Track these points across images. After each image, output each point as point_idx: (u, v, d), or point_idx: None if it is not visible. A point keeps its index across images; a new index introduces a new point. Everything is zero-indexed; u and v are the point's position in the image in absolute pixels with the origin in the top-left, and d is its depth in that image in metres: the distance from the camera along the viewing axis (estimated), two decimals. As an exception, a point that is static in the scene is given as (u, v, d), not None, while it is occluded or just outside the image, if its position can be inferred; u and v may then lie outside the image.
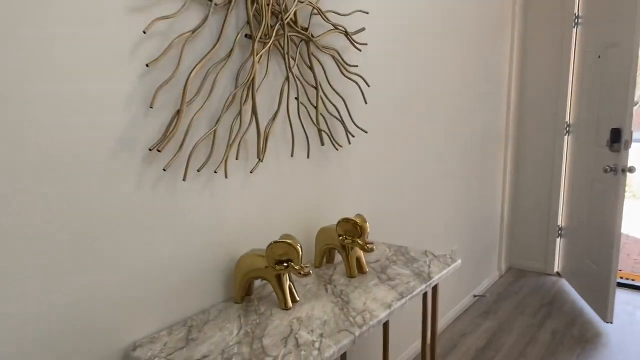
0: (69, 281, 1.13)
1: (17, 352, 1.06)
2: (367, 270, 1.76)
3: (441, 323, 3.04)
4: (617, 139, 2.94)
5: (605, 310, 3.08)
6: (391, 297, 1.54)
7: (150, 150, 1.24)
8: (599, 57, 3.26)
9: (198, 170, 1.37)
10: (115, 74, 1.17)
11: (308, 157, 1.75)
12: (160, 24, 1.25)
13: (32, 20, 1.02)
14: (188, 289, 1.41)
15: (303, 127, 1.72)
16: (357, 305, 1.48)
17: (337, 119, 1.86)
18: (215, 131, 1.40)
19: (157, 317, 1.34)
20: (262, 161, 1.55)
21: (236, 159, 1.47)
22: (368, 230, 1.70)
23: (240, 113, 1.45)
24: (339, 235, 1.71)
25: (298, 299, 1.52)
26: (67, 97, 1.08)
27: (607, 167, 2.99)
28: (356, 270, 1.72)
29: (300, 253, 1.44)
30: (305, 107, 1.72)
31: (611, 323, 3.12)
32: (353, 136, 1.97)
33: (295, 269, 1.43)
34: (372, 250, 1.67)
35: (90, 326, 1.19)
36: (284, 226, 1.72)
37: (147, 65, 1.22)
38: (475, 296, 3.51)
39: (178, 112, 1.28)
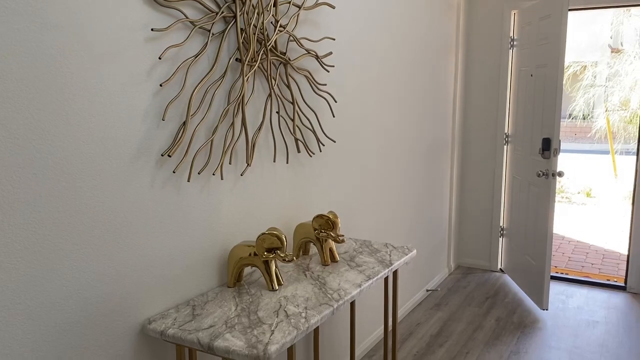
0: (96, 264, 1.36)
1: (59, 321, 1.28)
2: (339, 259, 2.04)
3: (399, 314, 3.36)
4: (547, 147, 3.37)
5: (541, 299, 3.48)
6: (360, 279, 1.83)
7: (162, 155, 1.49)
8: (531, 75, 3.69)
9: (199, 173, 1.63)
10: (135, 93, 1.42)
11: (287, 162, 2.03)
12: (170, 51, 1.50)
13: (74, 50, 1.26)
14: (189, 274, 1.65)
15: (283, 136, 2.00)
16: (332, 285, 1.76)
17: (310, 129, 2.15)
18: (212, 140, 1.66)
19: (164, 298, 1.57)
20: (250, 165, 1.81)
21: (229, 163, 1.74)
22: (339, 224, 1.99)
23: (232, 125, 1.72)
24: (314, 230, 1.99)
25: (283, 282, 1.78)
26: (99, 112, 1.32)
27: (539, 172, 3.41)
28: (329, 259, 2.00)
29: (286, 243, 1.71)
30: (285, 120, 2.00)
31: (547, 310, 3.52)
32: (323, 145, 2.26)
33: (281, 256, 1.70)
34: (343, 241, 1.96)
35: (111, 303, 1.42)
36: (268, 222, 1.99)
37: (160, 85, 1.47)
38: (428, 290, 3.86)
39: (184, 123, 1.54)
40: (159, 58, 1.46)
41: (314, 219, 1.98)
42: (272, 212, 2.01)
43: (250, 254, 1.73)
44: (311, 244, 2.18)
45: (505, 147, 4.26)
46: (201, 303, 1.63)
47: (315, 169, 2.26)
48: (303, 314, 1.53)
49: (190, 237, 1.64)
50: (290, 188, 2.10)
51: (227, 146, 1.71)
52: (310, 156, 2.20)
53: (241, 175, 1.79)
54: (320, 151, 2.24)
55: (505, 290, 3.95)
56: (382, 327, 3.12)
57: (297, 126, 2.08)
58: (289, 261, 1.70)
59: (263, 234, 1.70)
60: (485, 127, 4.33)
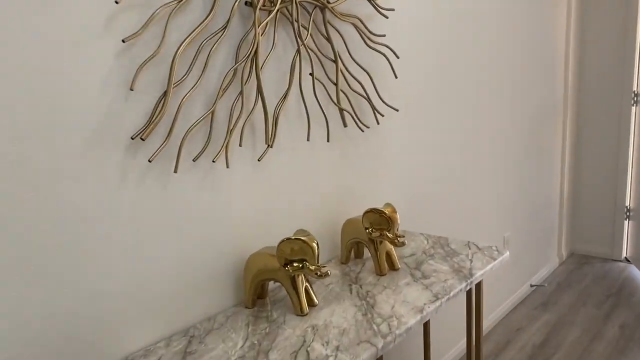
0: (44, 290, 0.99)
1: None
2: (399, 266, 1.55)
3: (494, 316, 2.79)
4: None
5: (683, 302, 2.73)
6: (424, 298, 1.33)
7: (132, 139, 1.08)
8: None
9: (194, 160, 1.21)
10: (86, 53, 1.01)
11: (328, 140, 1.55)
12: (139, -7, 1.08)
13: (-25, -8, 0.87)
14: (190, 293, 1.26)
15: (321, 106, 1.52)
16: (383, 309, 1.28)
17: (362, 96, 1.65)
18: (213, 114, 1.22)
19: (154, 327, 1.19)
20: (271, 147, 1.36)
21: (239, 145, 1.30)
22: (398, 221, 1.49)
23: (242, 93, 1.27)
24: (366, 228, 1.51)
25: (316, 302, 1.33)
26: (31, 82, 0.94)
27: (684, 140, 2.63)
28: (386, 266, 1.51)
29: (316, 251, 1.26)
30: (323, 84, 1.52)
31: (691, 316, 2.77)
32: (382, 115, 1.75)
33: (311, 270, 1.25)
34: (402, 244, 1.46)
35: (75, 340, 1.05)
36: (302, 220, 1.54)
37: (123, 41, 1.05)
38: (532, 286, 3.22)
39: (165, 94, 1.12)
40: (116, 2, 1.04)
41: (364, 214, 1.50)
42: (307, 207, 1.55)
43: (272, 266, 1.29)
44: (364, 246, 1.70)
45: (633, 108, 3.43)
46: (203, 333, 1.23)
47: (370, 147, 1.76)
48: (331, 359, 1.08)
49: (189, 246, 1.24)
50: (334, 174, 1.63)
51: (233, 123, 1.27)
52: (363, 131, 1.70)
53: (259, 160, 1.35)
54: (378, 124, 1.73)
55: (632, 286, 3.20)
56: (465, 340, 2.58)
57: (342, 91, 1.59)
58: (321, 276, 1.24)
59: (286, 240, 1.25)
60: (607, 85, 3.51)
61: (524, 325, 2.80)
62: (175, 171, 1.15)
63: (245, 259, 1.38)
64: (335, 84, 1.53)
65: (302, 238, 1.25)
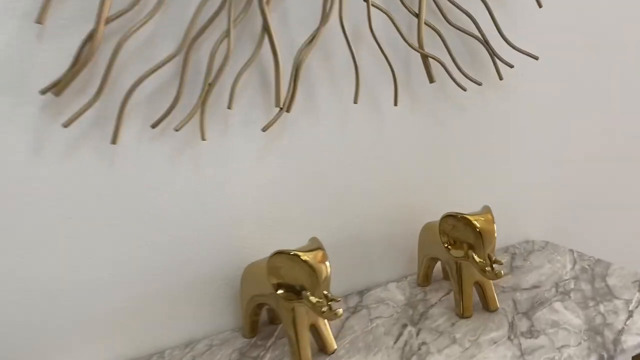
0: None
1: None
2: (498, 306, 0.98)
3: None
4: None
5: None
6: (508, 380, 0.78)
7: (42, 94, 0.76)
8: None
9: (152, 127, 0.84)
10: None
11: (396, 104, 1.03)
12: None
13: None
14: (160, 309, 0.92)
15: (382, 50, 0.99)
16: (425, 386, 0.78)
17: (470, 35, 1.08)
18: (185, 60, 0.83)
19: (99, 353, 0.88)
20: (287, 111, 0.92)
21: (228, 108, 0.88)
22: (494, 236, 0.93)
23: (228, 32, 0.84)
24: (444, 243, 0.98)
25: (334, 347, 0.88)
26: None
27: None
28: (471, 304, 0.97)
29: (324, 275, 0.80)
30: (388, 15, 0.99)
31: None
32: (511, 66, 1.14)
33: (311, 304, 0.80)
34: (495, 277, 0.90)
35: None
36: (349, 216, 1.06)
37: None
38: None
39: (96, 26, 0.76)
40: None
41: (441, 220, 0.97)
42: (365, 197, 1.07)
43: (264, 286, 0.87)
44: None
45: None
46: (164, 366, 0.89)
47: (483, 113, 1.17)
48: None
49: (151, 244, 0.89)
50: (408, 154, 1.10)
51: (214, 73, 0.85)
52: (465, 90, 1.11)
53: (263, 130, 0.92)
54: (501, 79, 1.13)
55: None
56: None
57: (427, 24, 1.04)
58: (327, 317, 0.79)
59: (277, 253, 0.83)
60: None
61: None
62: (112, 142, 0.80)
63: (244, 266, 0.99)
64: (417, 15, 1.00)
65: (300, 254, 0.81)
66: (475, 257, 0.92)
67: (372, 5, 0.94)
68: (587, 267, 1.13)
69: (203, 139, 0.86)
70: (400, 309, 1.01)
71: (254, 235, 0.98)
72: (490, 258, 0.93)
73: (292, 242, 1.01)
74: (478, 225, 0.92)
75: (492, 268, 0.91)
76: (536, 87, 1.23)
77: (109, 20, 0.77)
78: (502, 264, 0.91)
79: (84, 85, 0.79)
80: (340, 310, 0.80)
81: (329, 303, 0.81)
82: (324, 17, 0.91)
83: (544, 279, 1.09)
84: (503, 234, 1.26)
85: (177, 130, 0.84)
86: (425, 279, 1.09)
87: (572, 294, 1.01)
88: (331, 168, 1.03)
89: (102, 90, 0.78)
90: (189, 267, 0.93)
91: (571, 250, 1.23)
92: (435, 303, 1.02)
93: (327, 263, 0.82)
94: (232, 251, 0.96)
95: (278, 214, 0.99)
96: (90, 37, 0.76)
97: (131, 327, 0.90)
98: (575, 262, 1.16)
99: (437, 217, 1.15)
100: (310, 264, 0.80)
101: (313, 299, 0.80)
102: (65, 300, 0.83)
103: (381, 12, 0.97)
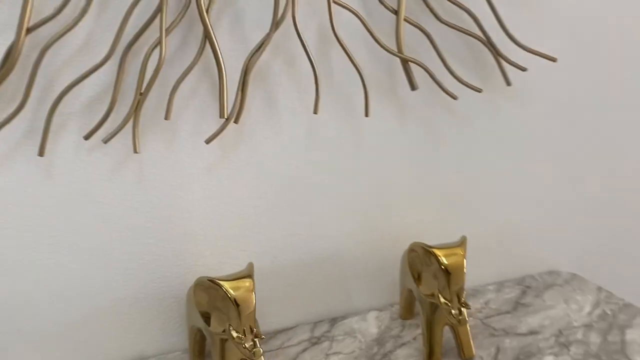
0: None
1: None
2: (474, 354, 0.84)
3: None
4: None
5: None
6: None
7: (-32, 105, 0.75)
8: None
9: (85, 138, 0.80)
10: None
11: (367, 114, 0.91)
12: None
13: None
14: (109, 328, 0.89)
15: (347, 52, 0.87)
16: None
17: (469, 34, 0.92)
18: (121, 66, 0.78)
19: (44, 360, 0.88)
20: (236, 122, 0.84)
21: (166, 119, 0.82)
22: (464, 273, 0.79)
23: (161, 40, 0.78)
24: (412, 276, 0.85)
25: (271, 386, 0.80)
26: None
27: None
28: (440, 351, 0.83)
29: (248, 311, 0.73)
30: (354, 13, 0.87)
31: None
32: (524, 69, 0.96)
33: (233, 339, 0.73)
34: (459, 322, 0.77)
35: None
36: (319, 234, 0.96)
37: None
38: None
39: (15, 42, 0.73)
40: None
41: (408, 249, 0.84)
42: (329, 216, 0.96)
43: (196, 312, 0.81)
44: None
45: None
46: (100, 385, 0.86)
47: (489, 126, 1.01)
48: None
49: (102, 258, 0.86)
50: (394, 169, 0.97)
51: (146, 81, 0.79)
52: (455, 98, 0.95)
53: (206, 142, 0.84)
54: (509, 84, 0.96)
55: None
56: None
57: (409, 22, 0.90)
58: (245, 355, 0.72)
59: (198, 282, 0.76)
60: None
61: None
62: (40, 153, 0.78)
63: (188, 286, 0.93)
64: (396, 11, 0.87)
65: (221, 283, 0.73)
66: (441, 297, 0.79)
67: (334, 2, 0.83)
68: (608, 312, 0.94)
69: (135, 151, 0.80)
70: (365, 345, 0.90)
71: (209, 252, 0.92)
72: (459, 299, 0.79)
73: (252, 260, 0.94)
74: (444, 261, 0.78)
75: (460, 312, 0.78)
76: (554, 93, 1.04)
77: (30, 30, 0.74)
78: (469, 308, 0.77)
79: (15, 94, 0.77)
80: (260, 350, 0.72)
81: (255, 339, 0.73)
82: (275, 22, 0.81)
83: (548, 323, 0.92)
84: (516, 264, 1.09)
85: (105, 142, 0.80)
86: (407, 311, 0.97)
87: (572, 348, 0.84)
88: (299, 182, 0.93)
89: (27, 100, 0.76)
90: (136, 282, 0.89)
91: (599, 289, 1.03)
92: (408, 342, 0.90)
93: (252, 293, 0.74)
94: (184, 268, 0.91)
95: (236, 231, 0.92)
96: (12, 48, 0.73)
97: (80, 341, 0.88)
98: (597, 305, 0.97)
99: (430, 238, 1.01)
100: (230, 296, 0.72)
101: (234, 334, 0.73)
102: (5, 315, 0.83)
103: (358, 12, 0.86)
